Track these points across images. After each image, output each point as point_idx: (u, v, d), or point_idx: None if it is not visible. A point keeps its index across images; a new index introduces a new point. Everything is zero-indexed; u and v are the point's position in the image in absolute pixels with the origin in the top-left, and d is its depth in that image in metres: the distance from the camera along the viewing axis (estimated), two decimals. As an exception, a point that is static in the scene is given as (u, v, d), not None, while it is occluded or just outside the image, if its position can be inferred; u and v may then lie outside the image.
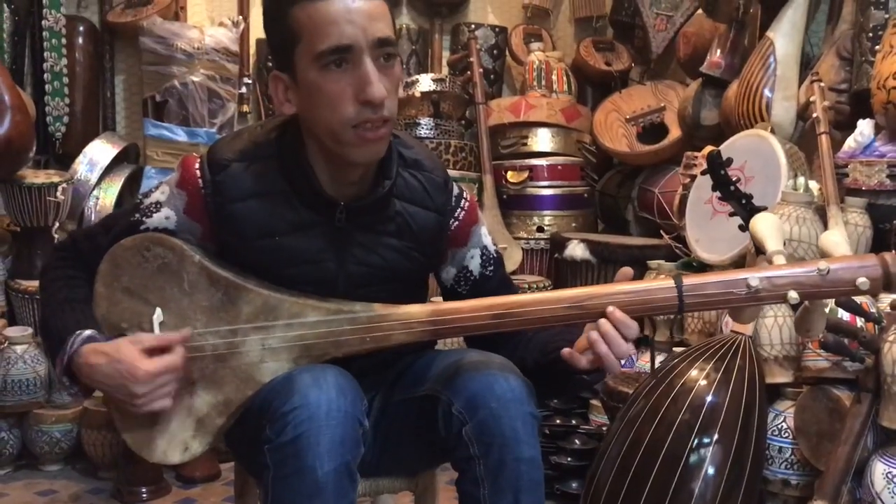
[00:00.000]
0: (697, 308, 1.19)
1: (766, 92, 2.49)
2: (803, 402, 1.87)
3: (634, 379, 2.31)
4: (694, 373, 1.89)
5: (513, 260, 3.05)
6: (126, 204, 2.40)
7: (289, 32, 1.20)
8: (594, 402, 2.56)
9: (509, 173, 3.10)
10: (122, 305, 1.30)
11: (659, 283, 1.19)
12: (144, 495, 2.43)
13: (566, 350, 1.22)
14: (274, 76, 1.26)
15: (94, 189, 2.91)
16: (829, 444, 1.78)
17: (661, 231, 2.82)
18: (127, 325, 1.29)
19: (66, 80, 3.00)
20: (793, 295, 1.14)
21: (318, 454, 1.12)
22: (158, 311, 1.28)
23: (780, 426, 1.95)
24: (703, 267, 2.42)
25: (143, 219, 1.31)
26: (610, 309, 1.18)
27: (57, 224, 2.71)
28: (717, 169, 1.97)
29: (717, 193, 1.97)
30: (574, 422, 2.58)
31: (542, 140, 3.16)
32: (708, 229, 2.41)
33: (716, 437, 1.80)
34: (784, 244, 1.89)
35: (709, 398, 1.84)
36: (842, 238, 1.61)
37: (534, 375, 1.30)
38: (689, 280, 1.18)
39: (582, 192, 3.19)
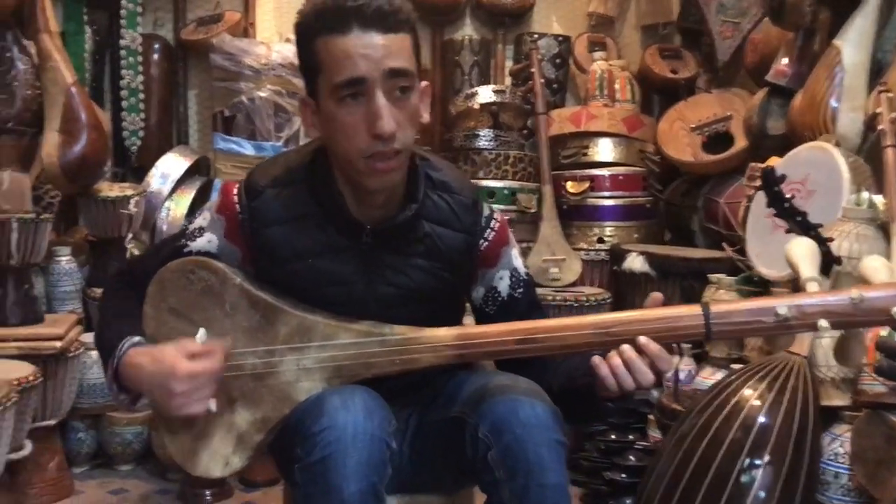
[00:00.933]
0: (726, 336, 1.18)
1: (832, 102, 2.41)
2: (860, 427, 1.80)
3: (689, 396, 2.28)
4: (747, 392, 1.87)
5: (572, 271, 3.04)
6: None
7: (313, 62, 1.25)
8: (652, 417, 2.53)
9: (569, 184, 3.09)
10: (168, 325, 1.36)
11: (686, 310, 1.18)
12: (208, 498, 2.53)
13: (596, 358, 1.21)
14: (302, 100, 1.32)
15: (166, 200, 3.03)
16: (886, 472, 1.71)
17: (724, 244, 2.76)
18: (173, 344, 1.35)
19: (141, 95, 3.14)
20: (823, 324, 1.11)
21: (345, 475, 1.15)
22: (202, 331, 1.34)
23: (836, 451, 1.88)
24: (764, 283, 2.37)
25: (188, 243, 1.38)
26: (643, 340, 1.18)
27: (130, 235, 2.84)
28: (771, 185, 1.92)
29: (773, 210, 1.93)
30: (631, 437, 2.56)
31: (603, 150, 3.14)
32: (768, 244, 2.34)
33: (767, 458, 1.77)
34: (840, 262, 1.85)
35: (761, 418, 1.81)
36: (883, 263, 1.55)
37: (560, 401, 1.30)
38: (717, 308, 1.17)
39: (644, 202, 3.15)
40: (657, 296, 1.24)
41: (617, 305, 2.90)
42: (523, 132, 3.29)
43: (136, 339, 1.30)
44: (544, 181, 3.08)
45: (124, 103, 3.10)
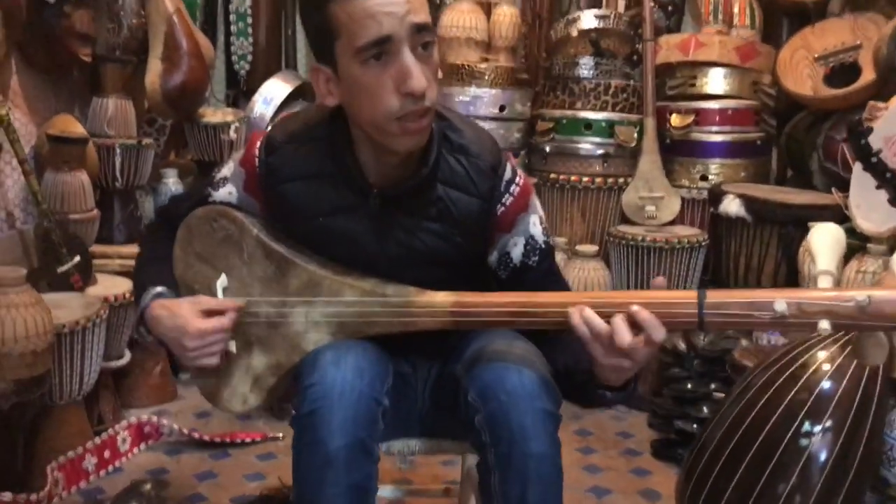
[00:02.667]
0: (719, 327, 1.10)
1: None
2: (930, 406, 1.67)
3: (764, 351, 2.17)
4: (820, 354, 1.78)
5: (670, 210, 2.91)
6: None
7: (327, 28, 1.20)
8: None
9: (673, 116, 2.93)
10: (194, 269, 1.43)
11: (682, 296, 1.11)
12: (294, 411, 2.69)
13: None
14: (314, 69, 1.28)
15: (269, 124, 3.13)
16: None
17: (833, 189, 2.55)
18: (198, 287, 1.42)
19: (249, 20, 3.22)
20: (824, 325, 1.02)
21: (330, 430, 1.19)
22: (223, 276, 1.40)
23: (906, 427, 1.76)
24: (865, 237, 2.18)
25: (212, 192, 1.43)
26: (636, 308, 1.13)
27: (232, 158, 2.96)
28: (857, 139, 1.76)
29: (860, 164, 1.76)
30: (713, 386, 2.47)
31: (713, 81, 2.94)
32: (869, 196, 2.15)
33: (825, 424, 1.69)
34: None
35: (825, 383, 1.73)
36: None
37: (563, 380, 1.28)
38: (714, 297, 1.09)
39: (755, 138, 2.95)
40: (660, 280, 1.17)
41: (714, 250, 2.77)
42: (632, 59, 3.12)
43: (158, 289, 1.38)
44: (647, 113, 2.94)
45: (233, 28, 3.20)
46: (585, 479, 2.35)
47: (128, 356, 2.51)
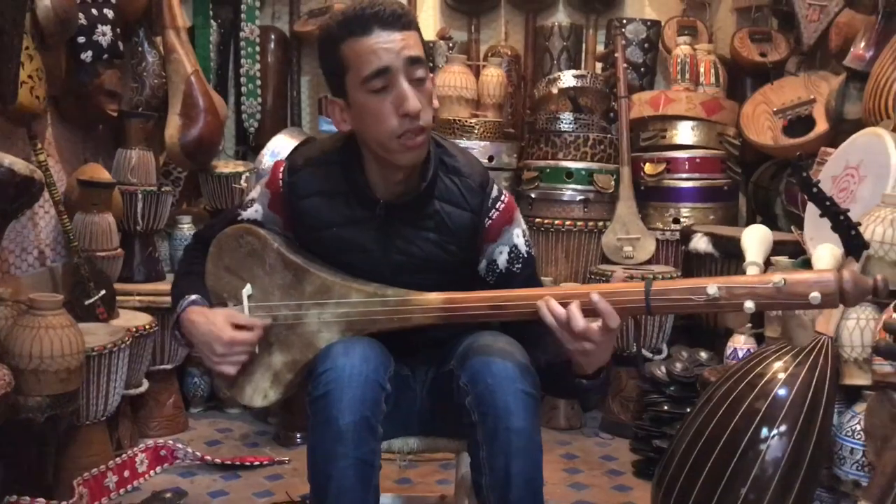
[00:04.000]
0: (663, 311, 1.31)
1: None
2: (871, 405, 1.87)
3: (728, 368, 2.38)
4: (776, 364, 1.97)
5: (646, 250, 3.15)
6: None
7: (339, 65, 1.47)
8: (705, 391, 2.63)
9: (647, 165, 3.20)
10: (223, 280, 1.65)
11: (631, 286, 1.33)
12: (298, 440, 2.86)
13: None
14: (330, 102, 1.54)
15: (276, 175, 3.37)
16: (888, 448, 1.78)
17: (793, 227, 2.80)
18: (227, 295, 1.63)
19: (258, 82, 3.51)
20: (748, 305, 1.24)
21: (340, 409, 1.39)
22: (248, 286, 1.62)
23: (853, 428, 1.96)
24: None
25: (241, 212, 1.66)
26: (595, 297, 1.34)
27: (242, 206, 3.20)
28: (798, 171, 2.01)
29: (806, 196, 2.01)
30: (689, 410, 2.67)
31: (682, 133, 3.22)
32: (821, 229, 2.39)
33: (778, 429, 1.87)
34: (868, 246, 1.90)
35: (779, 390, 1.91)
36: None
37: (545, 375, 1.49)
38: (658, 285, 1.31)
39: (722, 184, 3.21)
40: (619, 272, 1.40)
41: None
42: (608, 114, 3.41)
43: (194, 297, 1.59)
44: (623, 162, 3.20)
45: (243, 89, 3.48)
46: (571, 494, 2.53)
47: (145, 384, 2.71)
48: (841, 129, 2.81)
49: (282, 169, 1.62)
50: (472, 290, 1.53)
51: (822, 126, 2.97)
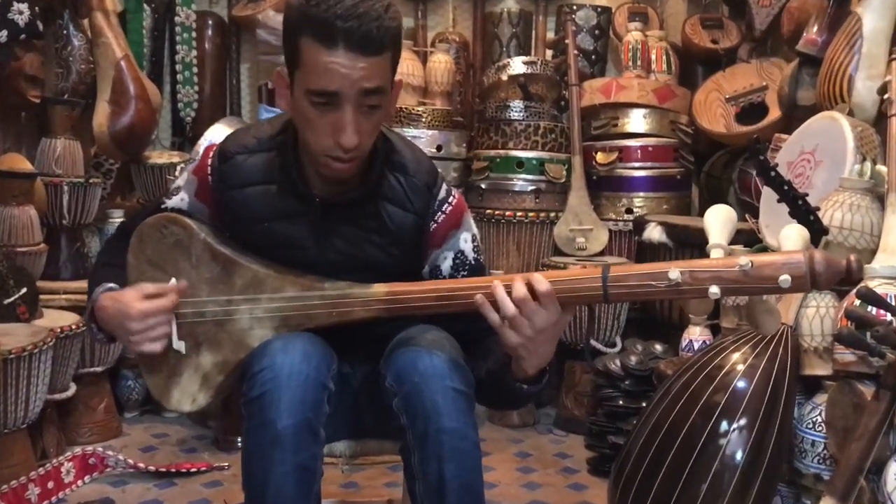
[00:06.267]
0: (622, 298, 1.21)
1: (852, 71, 2.36)
2: (832, 396, 1.81)
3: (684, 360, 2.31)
4: (735, 356, 1.91)
5: (598, 241, 3.08)
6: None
7: (295, 54, 1.31)
8: (661, 385, 2.56)
9: (598, 154, 3.12)
10: (146, 275, 1.50)
11: (588, 273, 1.23)
12: (239, 444, 2.72)
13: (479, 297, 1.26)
14: (278, 73, 1.39)
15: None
16: (851, 440, 1.72)
17: (746, 215, 2.74)
18: (150, 292, 1.50)
19: (195, 69, 3.34)
20: (713, 290, 1.14)
21: (279, 411, 1.27)
22: (173, 280, 1.48)
23: (814, 419, 1.89)
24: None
25: (166, 200, 1.53)
26: (537, 277, 1.22)
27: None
28: (756, 154, 1.94)
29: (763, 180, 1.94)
30: (644, 404, 2.60)
31: (634, 121, 3.15)
32: (777, 215, 2.33)
33: (739, 422, 1.81)
34: (827, 232, 1.84)
35: (738, 382, 1.85)
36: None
37: (486, 385, 1.37)
38: (616, 271, 1.21)
39: (675, 173, 3.15)
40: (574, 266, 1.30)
41: (640, 275, 2.93)
42: (559, 103, 3.32)
43: (109, 285, 1.46)
44: (574, 152, 3.12)
45: (179, 77, 3.32)
46: (524, 495, 2.44)
47: (73, 388, 2.54)
48: (794, 116, 2.77)
49: (211, 155, 1.49)
50: None
51: (774, 113, 2.92)
